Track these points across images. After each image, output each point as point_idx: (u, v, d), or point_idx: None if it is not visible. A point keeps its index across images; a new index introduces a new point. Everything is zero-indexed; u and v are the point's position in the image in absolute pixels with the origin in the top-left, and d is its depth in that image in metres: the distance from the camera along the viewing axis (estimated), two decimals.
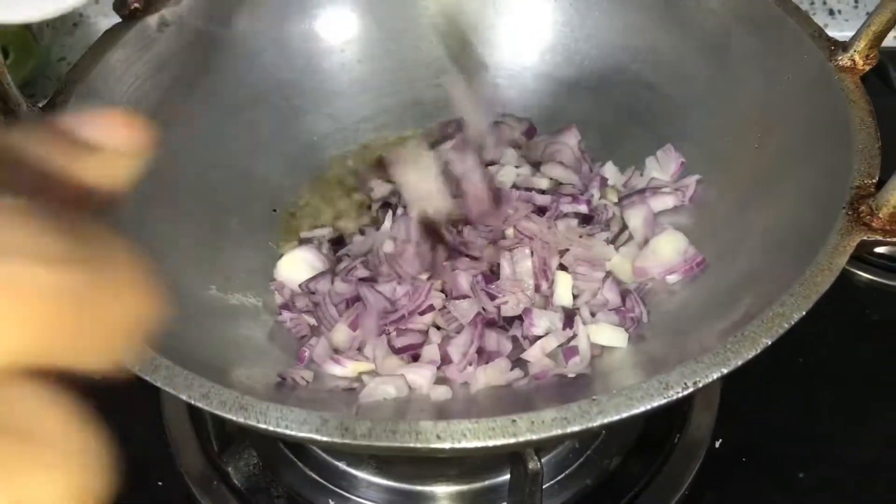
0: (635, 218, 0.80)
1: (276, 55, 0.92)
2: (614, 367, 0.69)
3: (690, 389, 0.52)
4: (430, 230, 0.74)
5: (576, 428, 0.50)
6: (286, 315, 0.76)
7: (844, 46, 0.72)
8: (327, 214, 0.88)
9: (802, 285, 0.56)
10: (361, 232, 0.83)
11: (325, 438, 0.50)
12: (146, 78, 0.81)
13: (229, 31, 0.88)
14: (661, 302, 0.74)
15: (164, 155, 0.77)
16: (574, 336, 0.70)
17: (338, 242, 0.84)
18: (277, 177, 0.89)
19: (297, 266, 0.79)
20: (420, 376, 0.68)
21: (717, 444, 0.83)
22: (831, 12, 1.31)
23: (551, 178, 0.84)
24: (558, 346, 0.70)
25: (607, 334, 0.70)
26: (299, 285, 0.78)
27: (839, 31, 1.30)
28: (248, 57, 0.90)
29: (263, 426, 0.51)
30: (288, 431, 0.51)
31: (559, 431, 0.50)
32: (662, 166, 0.85)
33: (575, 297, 0.74)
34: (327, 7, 0.93)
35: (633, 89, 0.90)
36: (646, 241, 0.78)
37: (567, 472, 0.81)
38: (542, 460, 0.71)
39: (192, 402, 0.53)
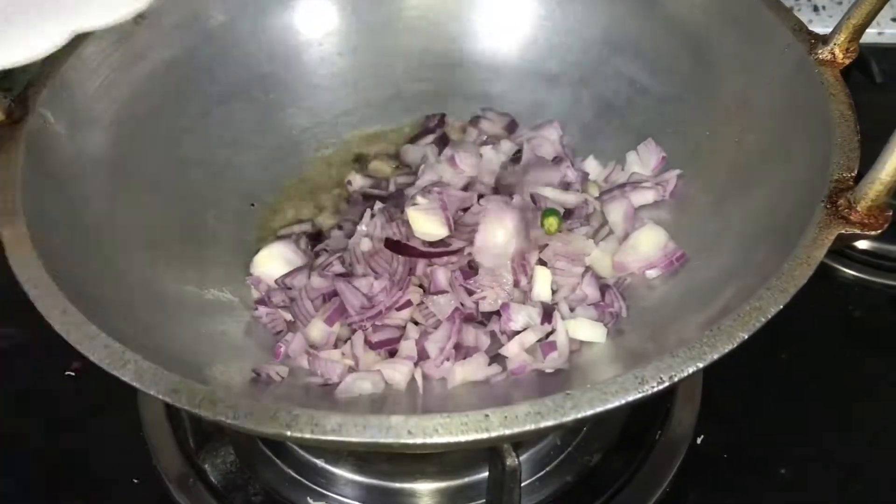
0: (615, 212, 0.79)
1: (254, 48, 0.91)
2: (593, 362, 0.68)
3: (666, 384, 0.51)
4: (397, 246, 0.73)
5: (549, 423, 0.50)
6: (262, 310, 0.75)
7: (825, 40, 0.72)
8: (306, 209, 0.87)
9: (780, 279, 0.56)
10: (339, 227, 0.82)
11: (295, 434, 0.50)
12: (121, 71, 0.80)
13: (207, 25, 0.87)
14: (641, 297, 0.73)
15: (140, 149, 0.77)
16: (552, 331, 0.70)
17: (316, 238, 0.83)
18: (256, 171, 0.88)
19: (273, 261, 0.78)
20: (397, 372, 0.68)
21: (699, 441, 0.82)
22: (815, 8, 1.31)
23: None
24: (536, 342, 0.69)
25: (586, 329, 0.69)
26: (275, 280, 0.77)
27: (823, 28, 1.29)
28: (226, 50, 0.89)
29: (232, 421, 0.50)
30: (257, 427, 0.50)
31: (532, 426, 0.49)
32: (643, 161, 0.84)
33: (554, 291, 0.74)
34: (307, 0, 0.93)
35: (615, 84, 0.89)
36: (626, 236, 0.77)
37: (547, 469, 0.80)
38: (522, 457, 0.70)
39: (161, 398, 0.52)
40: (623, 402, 0.51)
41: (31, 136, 0.69)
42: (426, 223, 0.73)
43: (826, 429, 0.84)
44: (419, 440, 0.49)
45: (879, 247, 0.98)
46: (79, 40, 0.77)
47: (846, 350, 0.91)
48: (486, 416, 0.50)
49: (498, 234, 0.72)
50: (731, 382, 0.82)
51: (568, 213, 0.79)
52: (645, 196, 0.80)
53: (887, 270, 0.97)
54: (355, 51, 0.94)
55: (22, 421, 0.87)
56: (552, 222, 0.75)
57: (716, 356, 0.53)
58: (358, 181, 0.87)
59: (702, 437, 0.83)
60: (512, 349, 0.69)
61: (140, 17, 0.83)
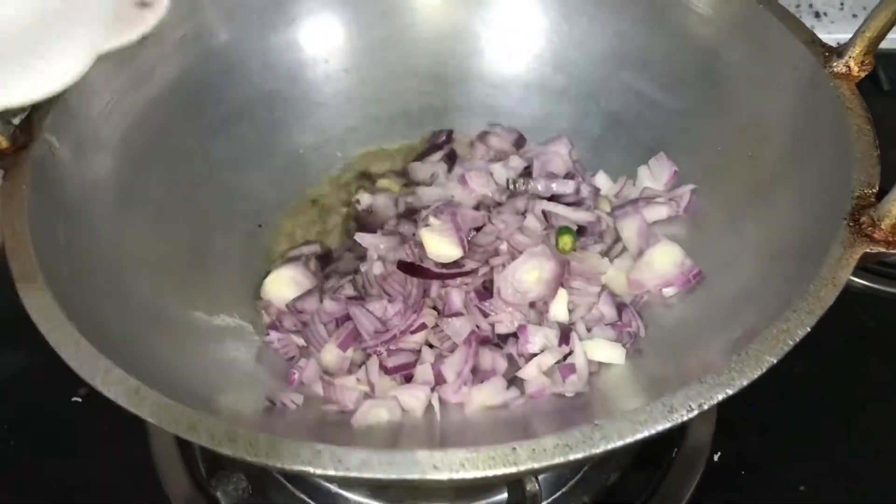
0: (629, 229, 0.79)
1: (259, 66, 0.89)
2: (613, 384, 0.67)
3: (696, 412, 0.50)
4: (411, 269, 0.72)
5: (578, 455, 0.48)
6: (274, 335, 0.74)
7: (839, 52, 0.70)
8: (314, 230, 0.86)
9: (806, 301, 0.55)
10: (349, 248, 0.81)
11: (318, 471, 0.48)
12: (126, 92, 0.79)
13: (210, 44, 0.86)
14: (659, 316, 0.72)
15: (146, 172, 0.76)
16: (570, 353, 0.69)
17: (325, 259, 0.82)
18: (263, 191, 0.87)
19: (283, 284, 0.77)
20: (413, 398, 0.66)
21: (716, 458, 0.81)
22: (817, 14, 1.30)
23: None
24: (554, 364, 0.68)
25: (604, 351, 0.69)
26: (286, 304, 0.76)
27: (826, 34, 1.29)
28: (230, 69, 0.88)
29: (253, 459, 0.49)
30: (279, 464, 0.49)
31: (561, 459, 0.48)
32: (655, 175, 0.83)
33: (570, 311, 0.73)
34: (311, 16, 0.91)
35: (624, 97, 0.88)
36: (640, 253, 0.76)
37: (564, 489, 0.79)
38: (539, 477, 0.69)
39: (180, 435, 0.51)
40: (653, 431, 0.50)
41: (36, 162, 0.67)
42: (440, 245, 0.72)
43: (845, 443, 0.83)
44: (445, 475, 0.48)
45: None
46: None
47: (861, 362, 0.90)
48: (514, 449, 0.48)
49: (531, 274, 0.71)
50: (745, 398, 0.80)
51: (581, 231, 0.78)
52: (658, 211, 0.79)
53: None
54: (360, 67, 0.93)
55: (28, 448, 0.85)
56: (567, 241, 0.74)
57: (745, 382, 0.52)
58: (367, 200, 0.85)
59: (718, 453, 0.82)
60: (530, 372, 0.68)
61: (143, 39, 0.82)
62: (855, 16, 1.28)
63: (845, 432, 0.84)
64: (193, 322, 0.72)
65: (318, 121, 0.92)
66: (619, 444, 0.49)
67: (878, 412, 0.86)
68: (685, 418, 0.50)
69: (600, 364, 0.69)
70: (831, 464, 0.82)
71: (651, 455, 0.81)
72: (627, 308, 0.72)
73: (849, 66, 0.70)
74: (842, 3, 1.28)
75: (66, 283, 0.61)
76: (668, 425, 0.50)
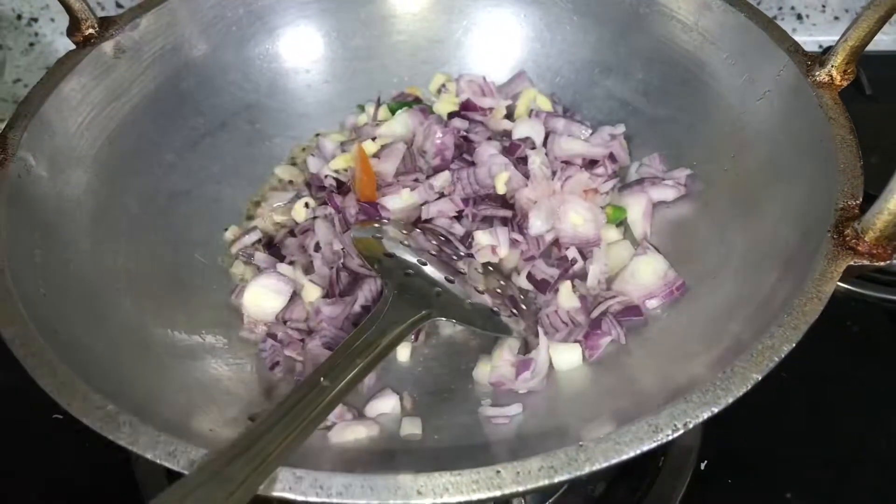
0: (635, 208, 0.80)
1: (238, 78, 0.89)
2: (596, 394, 0.67)
3: (681, 431, 0.50)
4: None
5: (563, 477, 0.48)
6: (269, 342, 0.74)
7: (822, 62, 0.70)
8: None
9: (791, 315, 0.55)
10: (292, 233, 0.82)
11: (299, 497, 0.48)
12: (104, 106, 0.78)
13: (189, 56, 0.85)
14: (642, 326, 0.72)
15: (124, 187, 0.75)
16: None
17: (270, 245, 0.83)
18: (243, 204, 0.87)
19: (263, 296, 0.76)
20: (384, 404, 0.68)
21: (703, 466, 0.81)
22: (799, 17, 1.30)
23: None
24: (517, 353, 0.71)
25: (562, 354, 0.70)
26: (276, 316, 0.76)
27: (808, 36, 1.30)
28: (210, 80, 0.87)
29: (235, 486, 0.48)
30: (261, 491, 0.48)
31: (546, 482, 0.48)
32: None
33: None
34: (291, 27, 0.91)
35: (606, 104, 0.89)
36: (645, 236, 0.79)
37: (551, 500, 0.79)
38: None
39: (158, 462, 0.50)
40: (638, 451, 0.50)
41: (11, 182, 0.67)
42: None
43: (831, 451, 0.83)
44: (429, 500, 0.48)
45: None
46: (57, 77, 0.75)
47: (847, 367, 0.90)
48: (498, 472, 0.48)
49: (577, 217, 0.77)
50: (732, 406, 0.80)
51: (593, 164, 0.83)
52: (665, 193, 0.80)
53: (882, 283, 0.96)
54: (342, 77, 0.93)
55: (11, 470, 0.84)
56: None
57: (730, 399, 0.51)
58: (315, 165, 0.86)
59: (705, 462, 0.81)
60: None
61: (120, 51, 0.81)
62: (837, 18, 1.28)
63: (832, 437, 0.84)
64: (173, 341, 0.71)
65: (299, 132, 0.91)
66: (604, 465, 0.49)
67: (864, 416, 0.86)
68: (670, 437, 0.50)
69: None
70: (818, 470, 0.82)
71: (638, 464, 0.80)
72: (607, 317, 0.72)
73: (831, 76, 0.70)
74: (823, 6, 1.28)
75: (43, 306, 0.60)
76: (652, 445, 0.50)
